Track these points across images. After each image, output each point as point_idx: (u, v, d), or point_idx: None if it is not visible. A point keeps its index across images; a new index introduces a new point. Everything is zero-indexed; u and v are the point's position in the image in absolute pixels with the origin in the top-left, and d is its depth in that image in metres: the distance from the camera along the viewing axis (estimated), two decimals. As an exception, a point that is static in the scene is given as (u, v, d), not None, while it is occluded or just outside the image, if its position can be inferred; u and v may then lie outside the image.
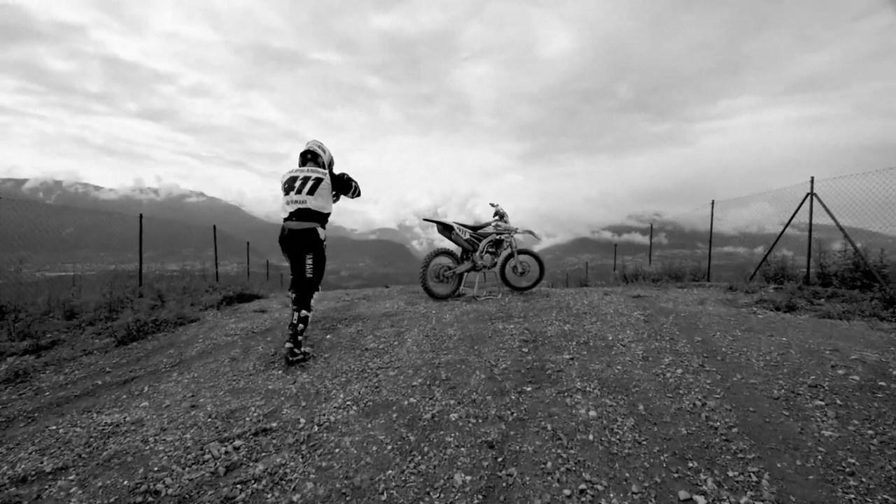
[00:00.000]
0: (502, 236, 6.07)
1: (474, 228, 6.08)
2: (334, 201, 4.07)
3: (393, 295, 6.52)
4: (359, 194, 4.15)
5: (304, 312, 3.73)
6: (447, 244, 6.05)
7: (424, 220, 5.86)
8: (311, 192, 3.78)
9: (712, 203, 9.70)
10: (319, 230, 3.82)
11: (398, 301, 5.90)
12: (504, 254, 6.21)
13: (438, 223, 5.83)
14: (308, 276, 3.77)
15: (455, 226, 5.86)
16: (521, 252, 6.29)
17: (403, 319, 4.85)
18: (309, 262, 3.76)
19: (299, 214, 3.75)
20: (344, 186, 4.03)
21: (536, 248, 6.31)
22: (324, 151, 4.04)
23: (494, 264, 6.18)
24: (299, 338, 3.68)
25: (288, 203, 3.79)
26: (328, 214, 3.90)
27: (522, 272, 6.22)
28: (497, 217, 6.32)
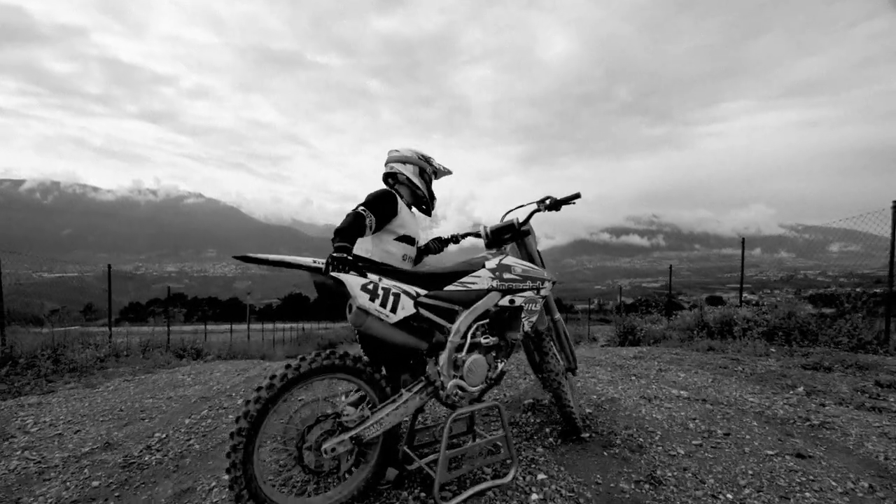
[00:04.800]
0: (521, 295, 2.35)
1: (433, 278, 2.20)
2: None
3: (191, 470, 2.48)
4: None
5: None
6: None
7: (236, 258, 1.91)
8: None
9: (893, 204, 5.86)
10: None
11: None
12: (520, 336, 2.37)
13: (314, 270, 1.94)
14: None
15: (354, 285, 1.90)
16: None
17: None
18: None
19: None
20: None
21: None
22: (404, 164, 2.57)
23: (493, 380, 2.33)
24: None
25: None
26: (370, 260, 2.31)
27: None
28: (493, 246, 2.62)
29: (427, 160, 2.58)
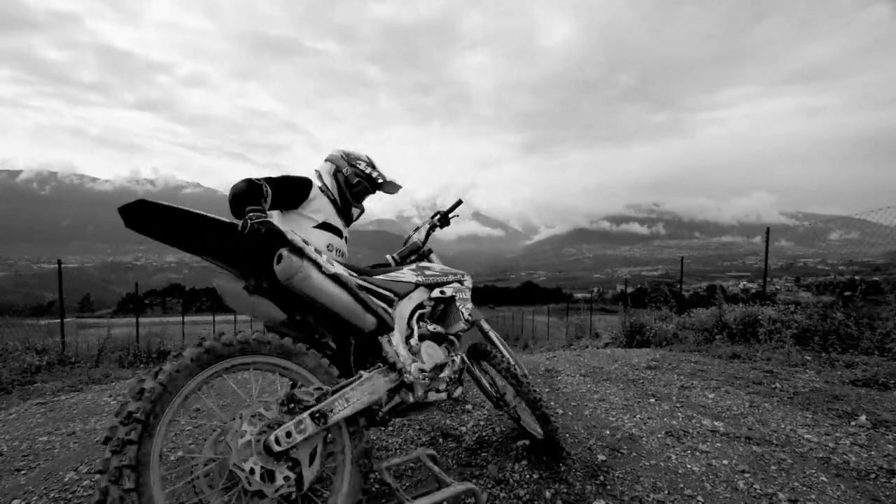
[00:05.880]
0: (449, 287, 2.20)
1: (360, 271, 1.93)
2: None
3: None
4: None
5: None
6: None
7: (122, 208, 1.35)
8: None
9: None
10: None
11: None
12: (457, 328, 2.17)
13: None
14: None
15: (284, 228, 1.60)
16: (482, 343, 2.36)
17: None
18: None
19: None
20: None
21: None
22: (325, 163, 2.41)
23: (457, 375, 1.99)
24: None
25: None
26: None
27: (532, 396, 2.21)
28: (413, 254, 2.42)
29: (349, 159, 2.32)
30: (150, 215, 1.34)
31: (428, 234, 2.43)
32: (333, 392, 1.53)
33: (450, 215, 2.45)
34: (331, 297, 1.60)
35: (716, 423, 2.97)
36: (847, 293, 5.87)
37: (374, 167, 2.37)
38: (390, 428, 2.93)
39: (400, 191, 2.43)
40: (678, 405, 3.38)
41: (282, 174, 2.10)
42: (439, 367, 1.90)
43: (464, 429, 2.91)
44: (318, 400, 1.47)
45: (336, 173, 2.30)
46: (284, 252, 1.49)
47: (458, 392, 1.99)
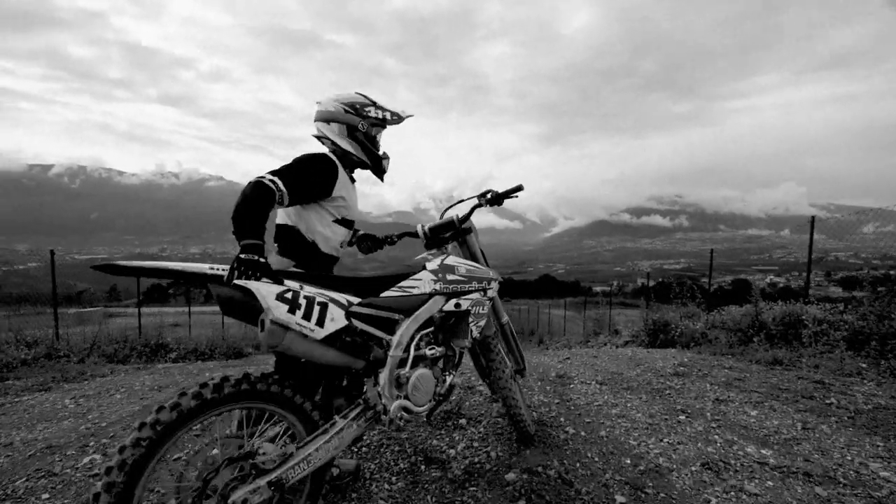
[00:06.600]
0: (468, 298, 1.99)
1: (366, 284, 1.73)
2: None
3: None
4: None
5: None
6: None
7: (95, 268, 1.43)
8: None
9: None
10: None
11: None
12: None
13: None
14: None
15: (267, 294, 1.39)
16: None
17: None
18: None
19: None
20: None
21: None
22: (328, 123, 1.98)
23: (442, 396, 1.93)
24: None
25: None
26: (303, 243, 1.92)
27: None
28: (432, 247, 2.15)
29: (357, 110, 1.94)
30: (127, 270, 1.38)
31: (471, 212, 2.13)
32: (300, 448, 1.49)
33: (504, 196, 2.11)
34: (317, 356, 1.51)
35: (763, 452, 2.42)
36: (881, 288, 5.28)
37: (379, 106, 2.01)
38: (364, 449, 2.47)
39: (417, 181, 2.08)
40: (714, 425, 2.83)
41: (299, 160, 1.75)
42: (414, 412, 1.74)
43: (452, 451, 2.44)
44: (279, 466, 1.43)
45: (353, 133, 1.94)
46: (268, 323, 1.37)
47: (438, 409, 1.89)
